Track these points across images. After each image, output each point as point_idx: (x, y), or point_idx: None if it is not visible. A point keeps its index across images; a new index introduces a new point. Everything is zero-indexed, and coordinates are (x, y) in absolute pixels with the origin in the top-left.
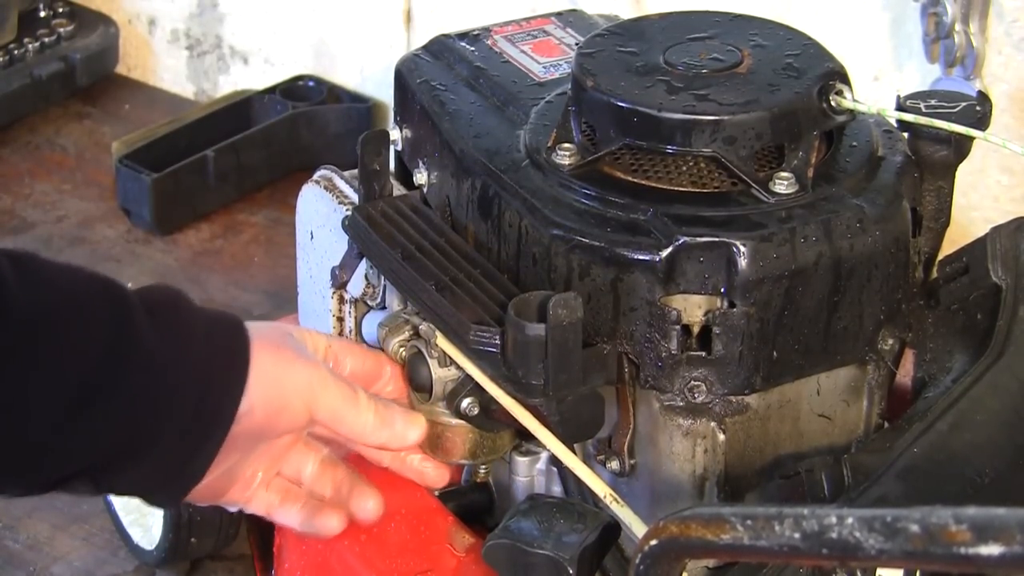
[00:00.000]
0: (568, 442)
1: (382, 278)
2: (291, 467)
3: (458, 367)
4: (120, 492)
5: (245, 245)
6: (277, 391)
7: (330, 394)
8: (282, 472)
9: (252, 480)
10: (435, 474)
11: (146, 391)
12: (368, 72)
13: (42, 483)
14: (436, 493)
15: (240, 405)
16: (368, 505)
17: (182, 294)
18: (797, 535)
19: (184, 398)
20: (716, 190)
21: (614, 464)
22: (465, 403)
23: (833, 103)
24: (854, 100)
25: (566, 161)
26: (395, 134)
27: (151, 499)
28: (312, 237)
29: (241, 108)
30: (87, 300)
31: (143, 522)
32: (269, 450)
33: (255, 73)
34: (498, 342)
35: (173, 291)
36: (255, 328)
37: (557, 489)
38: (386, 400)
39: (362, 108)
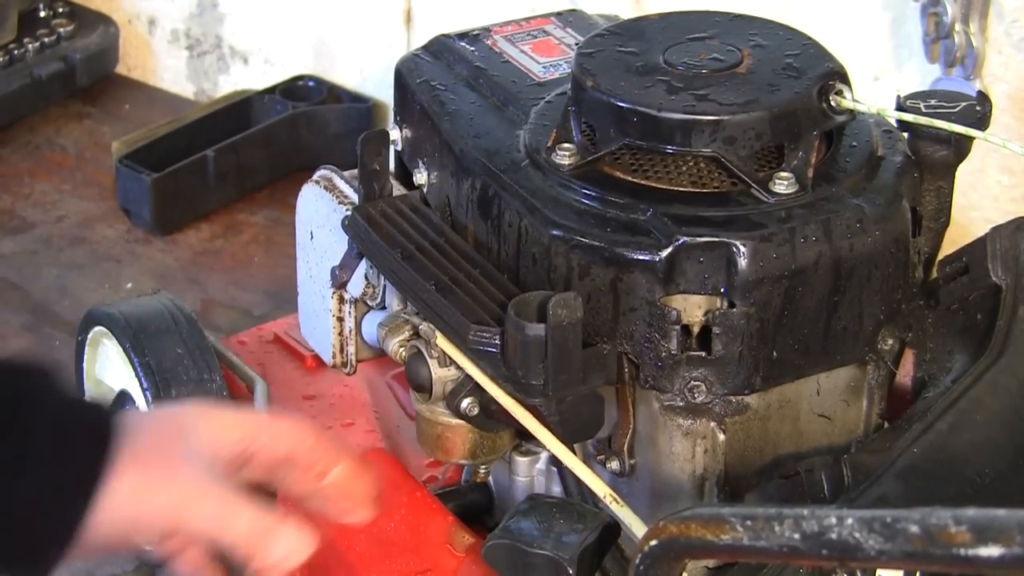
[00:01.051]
0: (568, 442)
1: (382, 278)
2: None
3: (458, 367)
4: None
5: (245, 245)
6: (127, 520)
7: (197, 515)
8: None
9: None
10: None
11: None
12: (368, 72)
13: None
14: (436, 493)
15: (77, 529)
16: None
17: (53, 384)
18: (797, 536)
19: (23, 513)
20: (716, 190)
21: (614, 464)
22: (465, 403)
23: (833, 103)
24: (854, 100)
25: (566, 161)
26: (395, 134)
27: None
28: (312, 237)
29: (241, 108)
30: None
31: None
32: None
33: (255, 73)
34: (498, 342)
35: (40, 374)
36: (135, 437)
37: (557, 489)
38: (272, 515)
39: (362, 108)
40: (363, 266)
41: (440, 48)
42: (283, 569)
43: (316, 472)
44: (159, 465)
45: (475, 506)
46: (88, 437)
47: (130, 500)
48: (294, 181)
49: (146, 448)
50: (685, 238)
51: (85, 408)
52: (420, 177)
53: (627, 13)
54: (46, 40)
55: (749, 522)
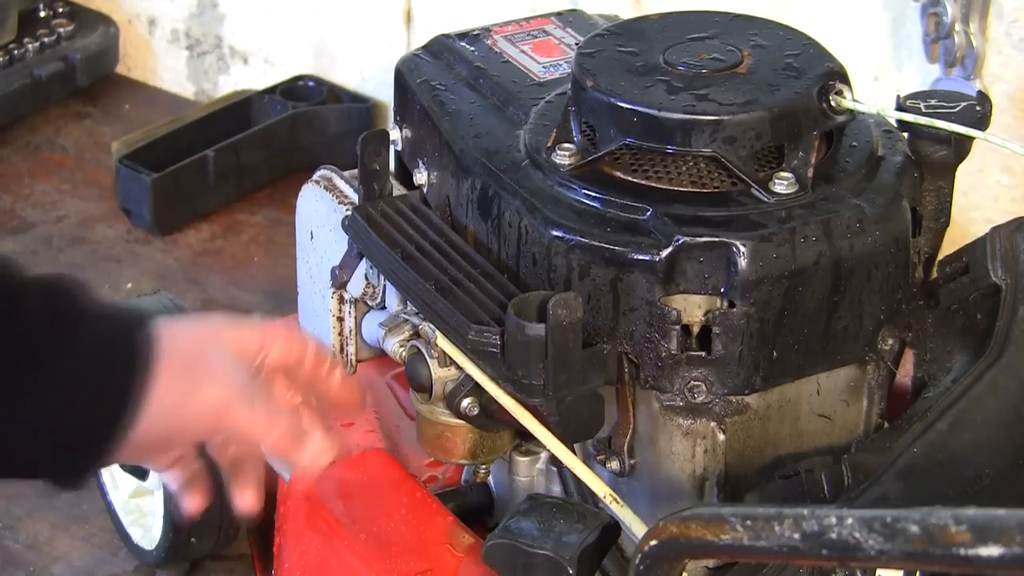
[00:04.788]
0: (568, 442)
1: (382, 278)
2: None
3: (458, 367)
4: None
5: (245, 245)
6: (173, 418)
7: (238, 417)
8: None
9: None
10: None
11: (23, 390)
12: (368, 72)
13: None
14: (436, 493)
15: (128, 428)
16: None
17: (85, 289)
18: (797, 535)
19: (70, 418)
20: (716, 190)
21: (614, 464)
22: (465, 403)
23: (833, 103)
24: (854, 100)
25: (566, 161)
26: (395, 134)
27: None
28: (312, 237)
29: (241, 108)
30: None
31: (143, 522)
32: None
33: (255, 73)
34: (498, 342)
35: (76, 286)
36: (172, 343)
37: (557, 489)
38: (310, 419)
39: (362, 108)
40: (363, 266)
41: (440, 48)
42: (312, 469)
43: (323, 372)
44: (199, 369)
45: (475, 506)
46: (129, 345)
47: (174, 402)
48: (294, 181)
49: (184, 352)
50: (685, 238)
51: (123, 316)
52: (420, 177)
53: (627, 13)
54: (46, 40)
55: (749, 522)
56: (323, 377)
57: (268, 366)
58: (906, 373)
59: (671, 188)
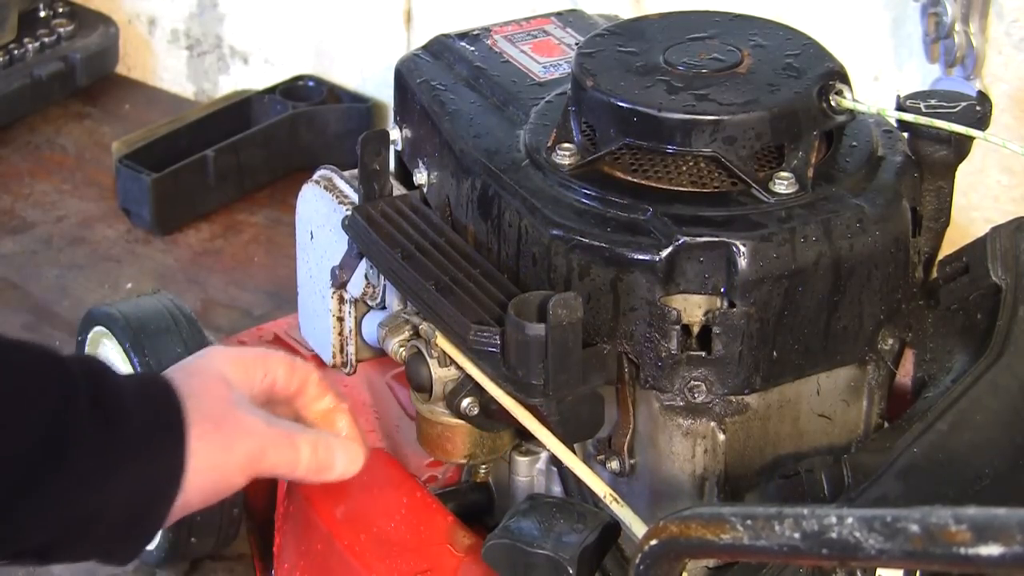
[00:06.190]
0: (568, 442)
1: (382, 278)
2: None
3: (458, 367)
4: (67, 561)
5: (245, 245)
6: (214, 479)
7: (270, 460)
8: None
9: None
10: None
11: (85, 482)
12: (368, 72)
13: None
14: (436, 493)
15: (176, 500)
16: None
17: (109, 372)
18: (797, 535)
19: (118, 497)
20: (716, 190)
21: (614, 464)
22: (465, 403)
23: (833, 103)
24: (854, 100)
25: (566, 161)
26: (395, 134)
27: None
28: (312, 237)
29: (241, 108)
30: (33, 381)
31: None
32: None
33: (255, 73)
34: (498, 342)
35: (103, 371)
36: (195, 404)
37: (557, 489)
38: (324, 437)
39: (362, 108)
40: (363, 266)
41: (440, 48)
42: (345, 478)
43: (325, 399)
44: (227, 425)
45: (475, 506)
46: (164, 419)
47: (212, 465)
48: (294, 181)
49: (210, 412)
50: (685, 238)
51: (149, 387)
52: (420, 177)
53: (627, 13)
54: (46, 40)
55: (749, 522)
56: (330, 403)
57: (275, 394)
58: (906, 373)
59: (671, 188)
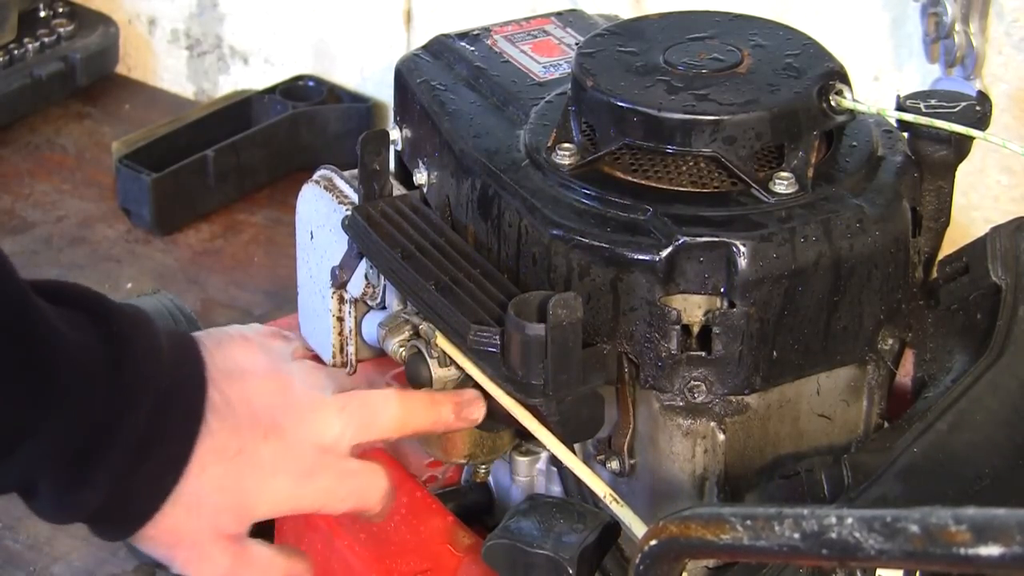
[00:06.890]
0: (568, 442)
1: (382, 278)
2: None
3: (458, 367)
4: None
5: (245, 245)
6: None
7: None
8: None
9: None
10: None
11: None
12: (368, 72)
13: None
14: (436, 493)
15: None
16: None
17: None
18: (797, 535)
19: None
20: (716, 190)
21: (614, 464)
22: None
23: (833, 103)
24: (854, 100)
25: (566, 161)
26: (395, 134)
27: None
28: (312, 237)
29: (241, 108)
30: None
31: None
32: None
33: (255, 73)
34: (498, 342)
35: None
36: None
37: (557, 489)
38: (360, 469)
39: (362, 108)
40: (363, 266)
41: (440, 48)
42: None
43: None
44: (244, 461)
45: (475, 506)
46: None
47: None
48: (294, 181)
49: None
50: (685, 238)
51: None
52: (420, 177)
53: (627, 13)
54: (46, 40)
55: (749, 522)
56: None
57: None
58: (906, 373)
59: (671, 188)
